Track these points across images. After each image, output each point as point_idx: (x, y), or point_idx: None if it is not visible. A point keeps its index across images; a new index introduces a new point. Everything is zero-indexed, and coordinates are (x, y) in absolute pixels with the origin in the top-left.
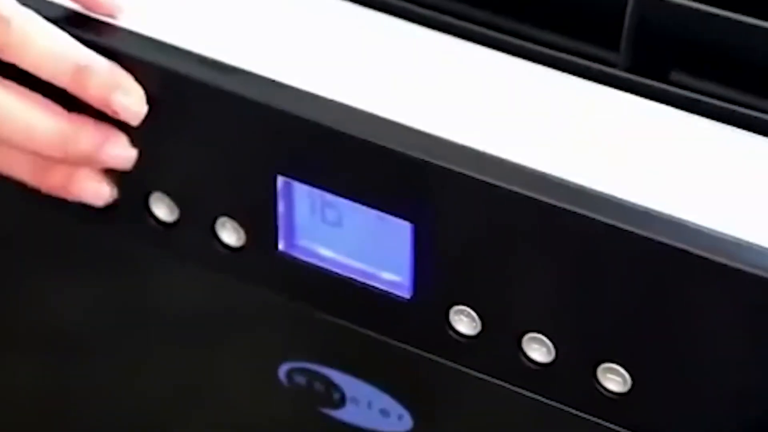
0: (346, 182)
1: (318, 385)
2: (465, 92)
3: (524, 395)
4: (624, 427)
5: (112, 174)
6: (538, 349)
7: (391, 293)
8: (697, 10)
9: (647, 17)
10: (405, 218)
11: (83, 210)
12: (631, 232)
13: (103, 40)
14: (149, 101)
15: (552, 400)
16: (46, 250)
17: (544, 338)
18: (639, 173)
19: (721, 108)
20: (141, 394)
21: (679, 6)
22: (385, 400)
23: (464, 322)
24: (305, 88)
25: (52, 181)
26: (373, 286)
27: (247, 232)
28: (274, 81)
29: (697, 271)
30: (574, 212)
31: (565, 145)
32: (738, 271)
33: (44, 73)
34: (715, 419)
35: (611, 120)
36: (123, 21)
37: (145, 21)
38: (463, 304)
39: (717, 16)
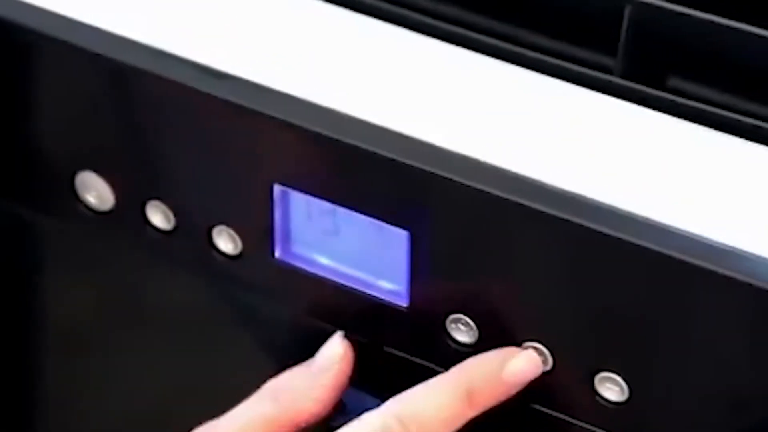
0: (342, 190)
1: None
2: (461, 100)
3: (522, 404)
4: None
5: (111, 181)
6: None
7: (387, 301)
8: (695, 17)
9: (644, 23)
10: (401, 226)
11: (81, 217)
12: (628, 242)
13: (98, 48)
14: (146, 109)
15: (549, 409)
16: (46, 256)
17: (542, 347)
18: (635, 182)
19: (718, 116)
20: (136, 400)
21: (677, 13)
22: None
23: (461, 330)
24: (301, 96)
25: None
26: (369, 295)
27: (243, 240)
28: (270, 89)
29: (694, 281)
30: (571, 221)
31: (562, 153)
32: (735, 280)
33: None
34: (712, 428)
35: (608, 128)
36: (120, 30)
37: (142, 30)
38: (460, 313)
39: (714, 23)
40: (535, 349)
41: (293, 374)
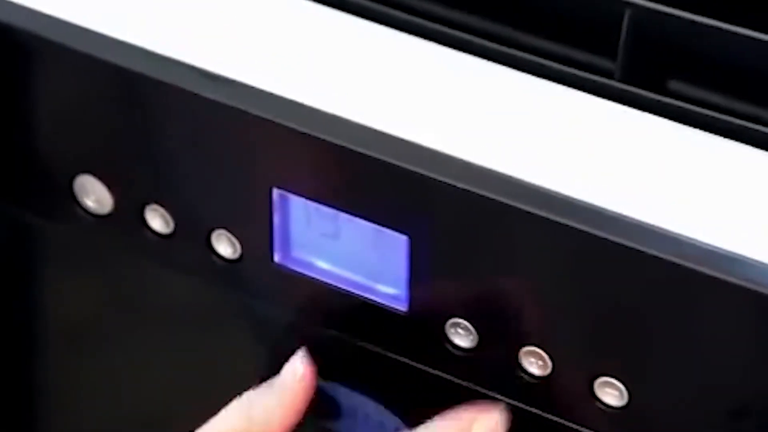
0: (342, 195)
1: (314, 397)
2: (460, 104)
3: (521, 408)
4: None
5: (109, 184)
6: (535, 363)
7: (387, 306)
8: (695, 21)
9: (644, 27)
10: (401, 231)
11: (80, 221)
12: (627, 246)
13: (97, 52)
14: (145, 113)
15: (549, 413)
16: (44, 260)
17: (541, 352)
18: (636, 186)
19: (718, 120)
20: (136, 403)
21: (677, 16)
22: (382, 413)
23: (460, 335)
24: (301, 100)
25: None
26: (369, 299)
27: (242, 244)
28: (270, 93)
29: (693, 285)
30: (570, 226)
31: (562, 157)
32: (734, 285)
33: None
34: None
35: (608, 132)
36: (116, 32)
37: (141, 33)
38: (460, 317)
39: (714, 27)
40: (534, 353)
41: (262, 391)
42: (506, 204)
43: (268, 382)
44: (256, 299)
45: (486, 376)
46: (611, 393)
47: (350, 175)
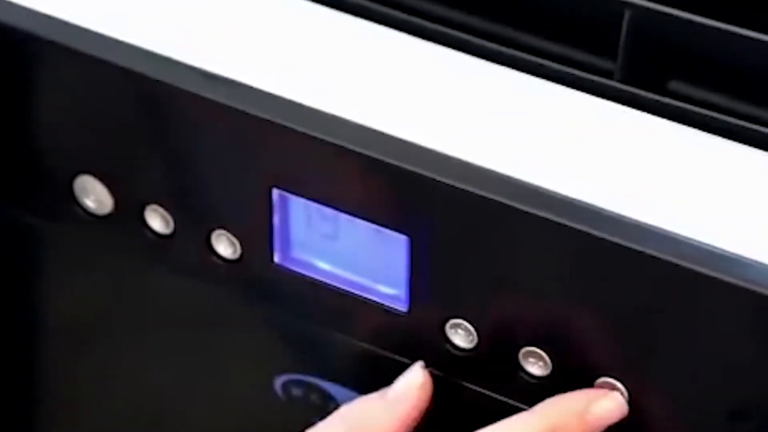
0: (342, 195)
1: (314, 397)
2: (460, 104)
3: (521, 409)
4: None
5: (109, 184)
6: (535, 363)
7: (387, 306)
8: (695, 22)
9: (644, 27)
10: (401, 231)
11: (80, 221)
12: (628, 247)
13: (97, 52)
14: (145, 113)
15: None
16: (44, 260)
17: (541, 352)
18: (636, 187)
19: (718, 120)
20: (133, 408)
21: (677, 17)
22: None
23: (460, 335)
24: (300, 100)
25: None
26: (369, 299)
27: (242, 245)
28: (269, 93)
29: (693, 286)
30: (570, 226)
31: (562, 158)
32: (733, 286)
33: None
34: None
35: (608, 132)
36: (117, 33)
37: (141, 33)
38: (460, 318)
39: (714, 27)
40: (534, 353)
41: (368, 402)
42: (506, 204)
43: (381, 391)
44: (256, 299)
45: (486, 376)
46: None
47: (350, 175)
